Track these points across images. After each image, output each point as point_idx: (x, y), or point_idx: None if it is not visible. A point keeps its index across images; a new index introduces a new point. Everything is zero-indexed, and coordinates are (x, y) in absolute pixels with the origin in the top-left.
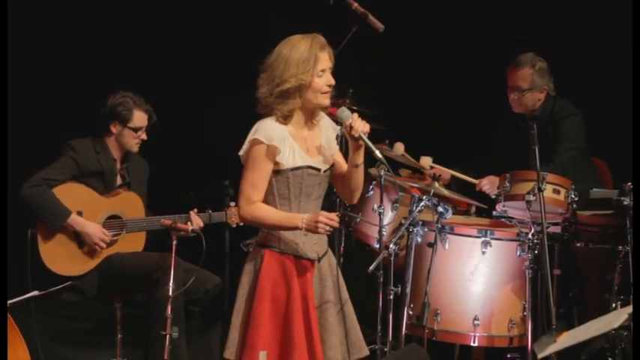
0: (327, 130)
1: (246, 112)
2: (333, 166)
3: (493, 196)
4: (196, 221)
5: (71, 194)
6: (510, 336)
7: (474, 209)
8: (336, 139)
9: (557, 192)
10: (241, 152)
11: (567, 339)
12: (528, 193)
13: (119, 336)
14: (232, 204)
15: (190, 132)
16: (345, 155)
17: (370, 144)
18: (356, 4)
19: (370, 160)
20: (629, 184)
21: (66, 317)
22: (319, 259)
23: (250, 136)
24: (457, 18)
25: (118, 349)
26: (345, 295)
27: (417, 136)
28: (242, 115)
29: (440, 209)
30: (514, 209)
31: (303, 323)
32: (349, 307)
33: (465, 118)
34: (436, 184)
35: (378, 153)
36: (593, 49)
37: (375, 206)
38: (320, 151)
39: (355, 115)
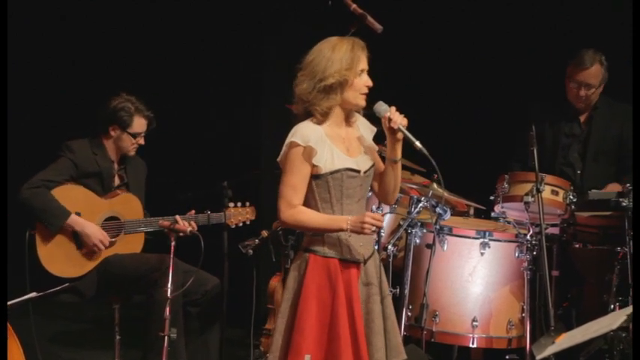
0: (364, 130)
1: (246, 113)
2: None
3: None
4: (191, 225)
5: (70, 196)
6: (509, 337)
7: (472, 210)
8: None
9: (556, 193)
10: (279, 158)
11: (566, 340)
12: (527, 194)
13: (117, 337)
14: (231, 205)
15: (189, 133)
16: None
17: (410, 135)
18: (354, 5)
19: None
20: (628, 185)
21: (64, 318)
22: (365, 261)
23: (287, 140)
24: (456, 18)
25: (117, 350)
26: (388, 298)
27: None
28: (241, 116)
29: (438, 210)
30: (512, 210)
31: (349, 327)
32: (390, 310)
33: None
34: (434, 185)
35: (418, 144)
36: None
37: (374, 207)
38: (360, 148)
39: (393, 107)
